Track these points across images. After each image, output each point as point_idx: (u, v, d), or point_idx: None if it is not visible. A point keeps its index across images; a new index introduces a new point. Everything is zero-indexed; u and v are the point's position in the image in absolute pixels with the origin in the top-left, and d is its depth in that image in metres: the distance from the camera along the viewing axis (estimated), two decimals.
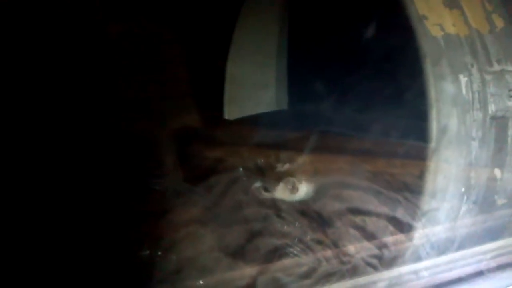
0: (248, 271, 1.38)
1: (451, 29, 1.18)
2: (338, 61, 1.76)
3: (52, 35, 1.69)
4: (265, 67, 2.03)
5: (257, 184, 1.67)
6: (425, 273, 1.40)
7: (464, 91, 1.15)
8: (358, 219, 1.55)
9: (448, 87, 1.13)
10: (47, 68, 1.67)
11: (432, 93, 1.09)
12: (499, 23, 1.23)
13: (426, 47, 1.12)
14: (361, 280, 1.39)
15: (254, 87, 2.03)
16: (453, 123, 1.13)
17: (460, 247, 1.45)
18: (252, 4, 1.90)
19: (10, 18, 1.61)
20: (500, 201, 1.27)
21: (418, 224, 1.49)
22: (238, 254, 1.42)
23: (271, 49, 2.01)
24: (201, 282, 1.34)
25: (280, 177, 1.72)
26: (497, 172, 1.23)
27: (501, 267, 1.39)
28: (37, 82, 1.65)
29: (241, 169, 1.71)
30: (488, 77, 1.16)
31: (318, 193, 1.67)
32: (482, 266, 1.38)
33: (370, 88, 1.66)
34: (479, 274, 1.35)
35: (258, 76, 2.04)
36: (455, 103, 1.13)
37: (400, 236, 1.53)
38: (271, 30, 2.00)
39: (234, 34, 2.00)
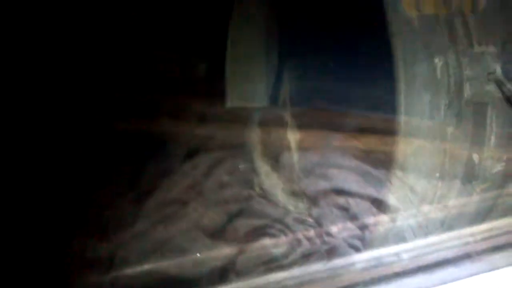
0: (227, 251, 1.40)
1: (428, 9, 1.13)
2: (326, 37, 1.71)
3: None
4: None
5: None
6: (405, 255, 1.40)
7: (439, 75, 1.11)
8: (342, 200, 1.55)
9: (422, 71, 1.10)
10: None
11: (401, 79, 1.07)
12: (483, 1, 1.18)
13: (398, 30, 1.09)
14: (340, 261, 1.40)
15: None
16: (425, 109, 1.11)
17: (444, 229, 1.44)
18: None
19: None
20: (479, 187, 1.25)
21: (399, 205, 1.49)
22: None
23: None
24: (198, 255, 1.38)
25: (268, 155, 1.72)
26: (475, 157, 1.21)
27: (489, 250, 1.37)
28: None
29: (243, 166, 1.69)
30: (465, 60, 1.12)
31: (305, 172, 1.67)
32: (469, 248, 1.37)
33: (358, 64, 1.62)
34: (466, 256, 1.34)
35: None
36: (427, 88, 1.10)
37: (383, 217, 1.52)
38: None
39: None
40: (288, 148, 1.74)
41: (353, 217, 1.53)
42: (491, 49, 1.15)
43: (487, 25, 1.17)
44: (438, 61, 1.10)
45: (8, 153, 1.38)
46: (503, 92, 1.11)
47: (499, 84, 1.10)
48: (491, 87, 1.13)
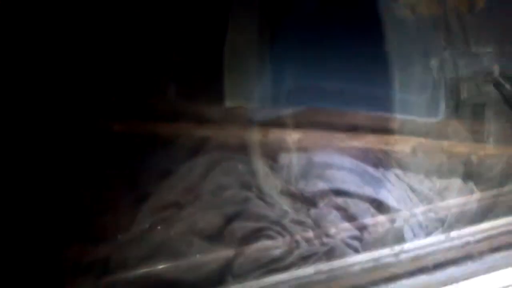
0: (225, 253, 1.39)
1: (424, 10, 1.11)
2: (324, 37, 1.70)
3: None
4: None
5: None
6: (404, 256, 1.39)
7: (436, 76, 1.10)
8: (340, 200, 1.54)
9: (418, 72, 1.08)
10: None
11: (398, 79, 1.05)
12: (480, 2, 1.16)
13: (394, 30, 1.07)
14: (338, 262, 1.39)
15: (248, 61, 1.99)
16: (422, 109, 1.09)
17: (444, 229, 1.43)
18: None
19: None
20: (478, 186, 1.24)
21: (398, 205, 1.48)
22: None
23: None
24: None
25: (266, 156, 1.71)
26: (474, 157, 1.20)
27: (490, 250, 1.36)
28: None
29: None
30: (462, 61, 1.10)
31: (303, 172, 1.66)
32: (470, 248, 1.36)
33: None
34: (467, 256, 1.33)
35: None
36: (424, 89, 1.08)
37: (382, 217, 1.52)
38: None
39: None
40: (286, 148, 1.73)
41: (351, 218, 1.52)
42: (489, 49, 1.14)
43: (484, 26, 1.15)
44: (434, 62, 1.09)
45: (6, 156, 1.38)
46: (501, 93, 1.09)
47: (497, 85, 1.09)
48: (489, 88, 1.11)
